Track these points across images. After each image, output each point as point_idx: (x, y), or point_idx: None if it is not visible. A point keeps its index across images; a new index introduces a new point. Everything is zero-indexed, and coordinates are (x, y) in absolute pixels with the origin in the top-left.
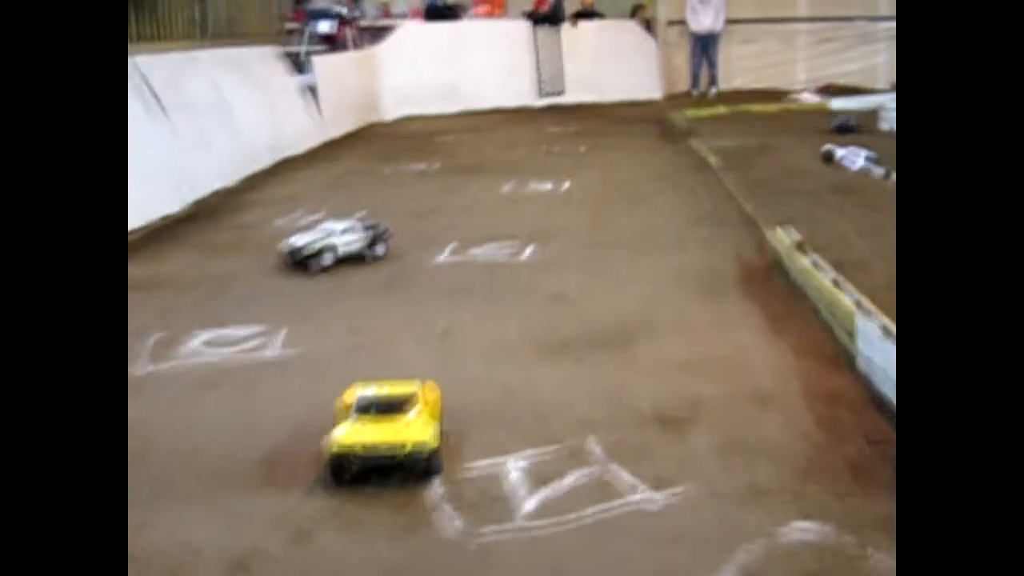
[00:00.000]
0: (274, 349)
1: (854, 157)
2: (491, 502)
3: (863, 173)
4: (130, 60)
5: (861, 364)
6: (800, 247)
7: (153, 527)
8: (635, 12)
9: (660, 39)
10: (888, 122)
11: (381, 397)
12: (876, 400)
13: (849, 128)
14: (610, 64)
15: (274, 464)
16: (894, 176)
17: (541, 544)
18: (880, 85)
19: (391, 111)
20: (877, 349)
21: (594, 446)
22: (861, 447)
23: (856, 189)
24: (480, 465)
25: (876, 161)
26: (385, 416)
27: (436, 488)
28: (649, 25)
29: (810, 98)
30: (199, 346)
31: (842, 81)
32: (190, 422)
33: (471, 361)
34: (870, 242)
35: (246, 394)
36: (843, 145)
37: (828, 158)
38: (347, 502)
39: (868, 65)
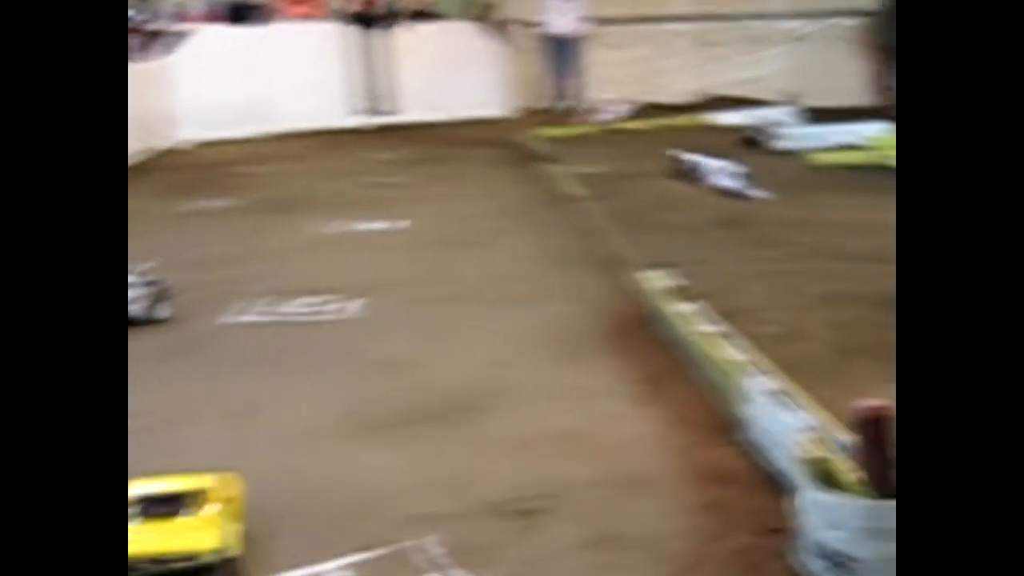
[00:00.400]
0: None
1: (718, 172)
2: None
3: (736, 194)
4: None
5: (751, 434)
6: (679, 293)
7: None
8: (484, 13)
9: (513, 45)
10: (785, 139)
11: (160, 495)
12: (769, 477)
13: (754, 142)
14: (454, 75)
15: None
16: (758, 194)
17: None
18: (773, 96)
19: (185, 135)
20: (770, 416)
21: (433, 547)
22: (753, 537)
23: (747, 221)
24: None
25: (747, 179)
26: (169, 518)
27: None
28: (500, 28)
29: (617, 110)
30: None
31: (732, 92)
32: None
33: (281, 446)
34: (765, 286)
35: None
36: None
37: (687, 171)
38: None
39: (760, 74)
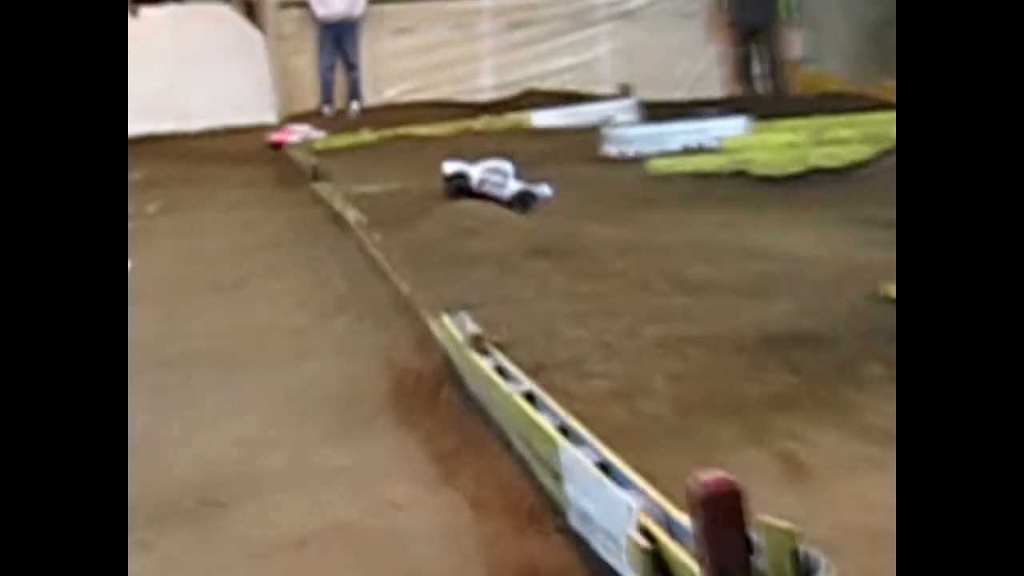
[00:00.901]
0: None
1: (499, 179)
2: None
3: (523, 199)
4: None
5: (573, 519)
6: (481, 343)
7: None
8: None
9: (271, 31)
10: (616, 144)
11: None
12: (594, 574)
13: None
14: (196, 73)
15: None
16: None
17: None
18: (602, 88)
19: None
20: (594, 496)
21: None
22: None
23: (567, 248)
24: None
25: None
26: None
27: None
28: (253, 11)
29: (308, 134)
30: None
31: (550, 84)
32: None
33: None
34: (588, 329)
35: None
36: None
37: (458, 190)
38: None
39: (584, 60)
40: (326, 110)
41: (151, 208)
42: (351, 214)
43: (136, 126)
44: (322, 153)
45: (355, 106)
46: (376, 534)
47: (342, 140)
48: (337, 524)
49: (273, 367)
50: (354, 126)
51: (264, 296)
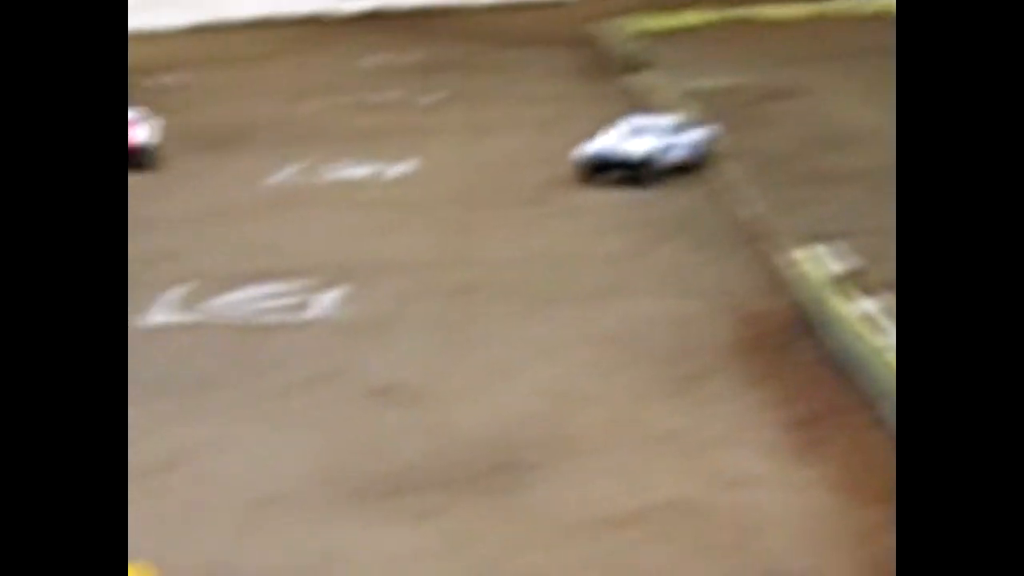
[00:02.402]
0: None
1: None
2: None
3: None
4: None
5: None
6: (855, 283)
7: None
8: None
9: None
10: None
11: None
12: None
13: None
14: None
15: None
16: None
17: None
18: None
19: None
20: None
21: None
22: None
23: None
24: None
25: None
26: None
27: None
28: None
29: None
30: None
31: None
32: None
33: (215, 521)
34: None
35: None
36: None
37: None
38: None
39: None
40: None
41: (426, 100)
42: (683, 114)
43: None
44: (642, 37)
45: None
46: (718, 516)
47: (662, 21)
48: (669, 501)
49: (581, 304)
50: (679, 3)
51: (569, 215)
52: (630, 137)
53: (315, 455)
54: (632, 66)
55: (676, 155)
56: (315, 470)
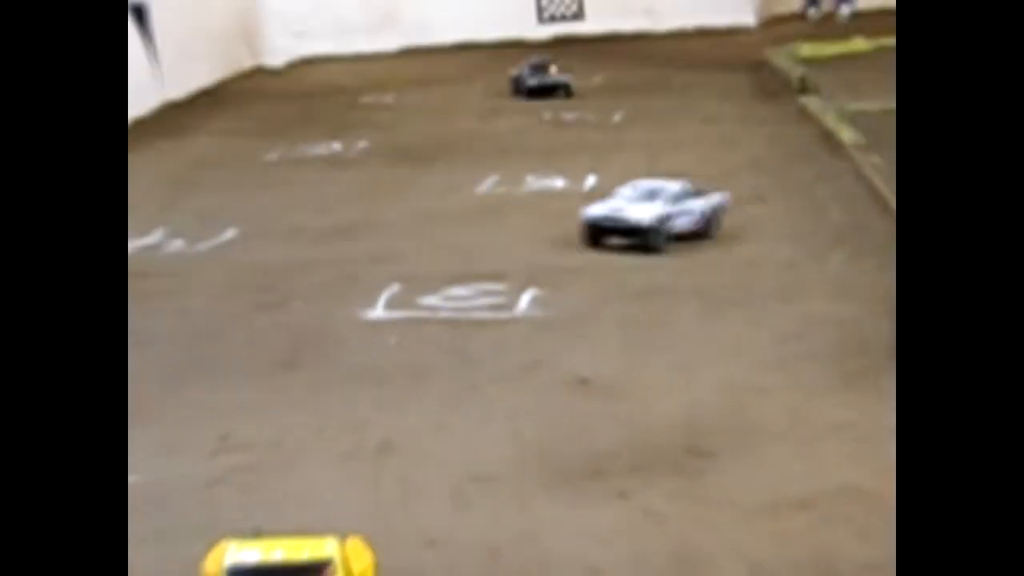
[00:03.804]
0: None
1: (678, 213)
2: None
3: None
4: None
5: None
6: None
7: None
8: None
9: None
10: None
11: (273, 566)
12: None
13: None
14: None
15: None
16: None
17: None
18: None
19: (281, 50)
20: None
21: None
22: None
23: None
24: None
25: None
26: None
27: None
28: None
29: None
30: None
31: None
32: None
33: (429, 499)
34: None
35: None
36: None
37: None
38: None
39: None
40: (812, 12)
41: (612, 119)
42: (846, 134)
43: (595, 22)
44: (809, 61)
45: (845, 9)
46: (885, 502)
47: (831, 48)
48: (843, 486)
49: (760, 306)
50: (844, 32)
51: (746, 224)
52: (638, 202)
53: (521, 439)
54: (803, 88)
55: (684, 222)
56: (521, 453)
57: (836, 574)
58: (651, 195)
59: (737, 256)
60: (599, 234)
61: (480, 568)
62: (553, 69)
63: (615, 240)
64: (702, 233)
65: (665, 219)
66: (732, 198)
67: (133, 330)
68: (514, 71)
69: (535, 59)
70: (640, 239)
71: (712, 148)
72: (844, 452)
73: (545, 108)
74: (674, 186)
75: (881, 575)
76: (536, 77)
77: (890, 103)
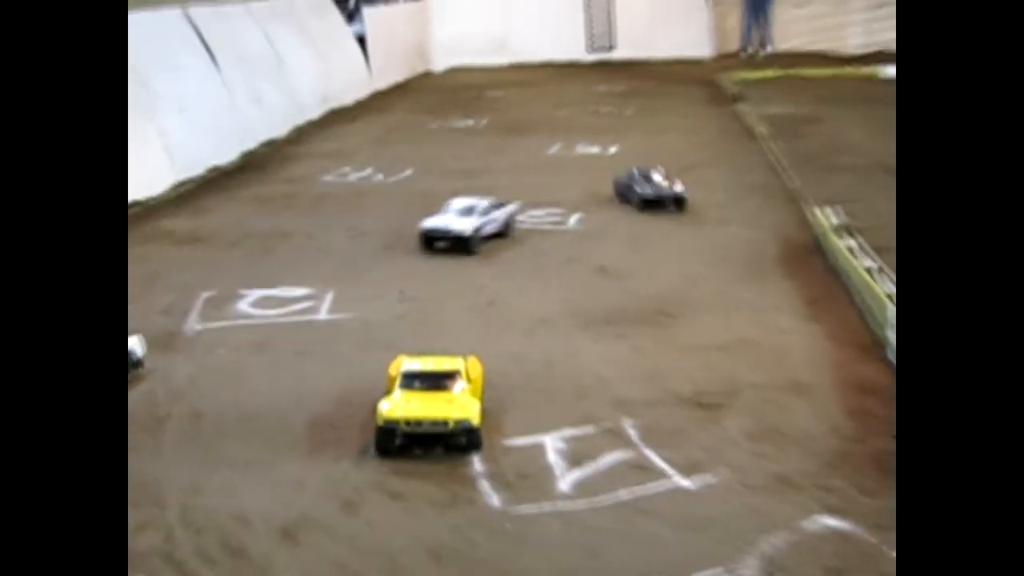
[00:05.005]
0: (322, 313)
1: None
2: (528, 479)
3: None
4: (184, 12)
5: (889, 353)
6: (842, 229)
7: (206, 493)
8: None
9: (711, 1)
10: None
11: (427, 372)
12: None
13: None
14: (661, 20)
15: (323, 431)
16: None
17: (576, 522)
18: None
19: (441, 62)
20: None
21: (630, 428)
22: (889, 441)
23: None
24: (519, 443)
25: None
26: (430, 391)
27: (476, 464)
28: None
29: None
30: (248, 307)
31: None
32: (241, 385)
33: (514, 333)
34: None
35: (295, 357)
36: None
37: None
38: (392, 474)
39: None
40: (744, 53)
41: (627, 111)
42: (759, 128)
43: (622, 52)
44: (741, 82)
45: (764, 52)
46: (769, 348)
47: (754, 75)
48: (744, 338)
49: (705, 228)
50: (762, 65)
51: (701, 179)
52: (459, 216)
53: (566, 301)
54: (735, 98)
55: (491, 228)
56: (565, 308)
57: (736, 386)
58: (468, 211)
59: (694, 199)
60: (431, 240)
61: (541, 373)
62: (657, 176)
63: (442, 244)
64: (503, 234)
65: (479, 228)
66: (693, 163)
67: (354, 226)
68: (620, 176)
69: (640, 167)
70: (461, 244)
71: (684, 132)
72: (746, 318)
73: (592, 103)
74: (484, 202)
75: (763, 391)
76: (650, 187)
77: (784, 109)
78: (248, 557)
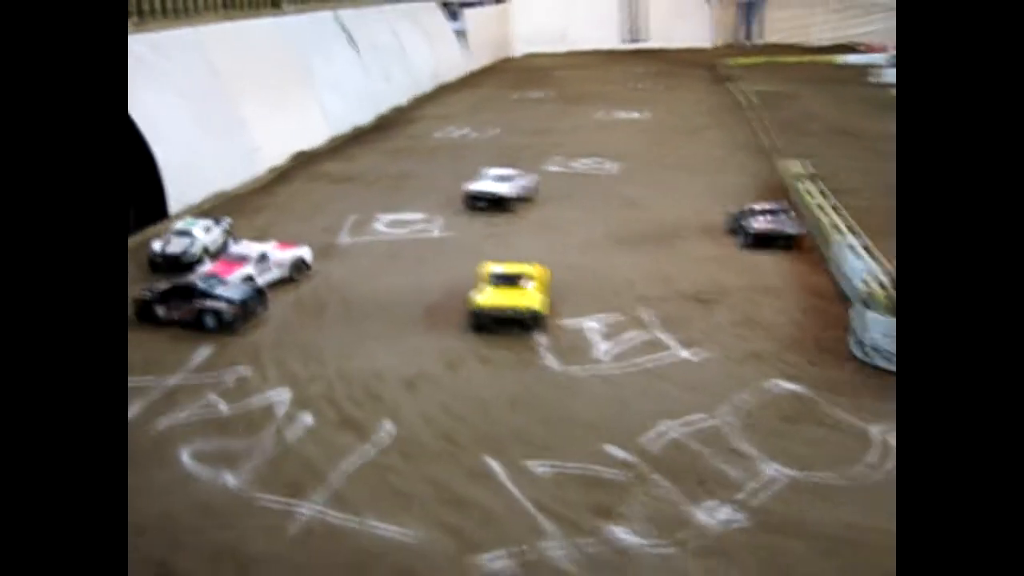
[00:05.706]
0: (435, 231)
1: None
2: (576, 350)
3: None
4: (335, 13)
5: (831, 268)
6: (807, 175)
7: (354, 357)
8: None
9: (718, 1)
10: (885, 75)
11: (508, 273)
12: (845, 296)
13: None
14: (677, 17)
15: (435, 314)
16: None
17: (609, 380)
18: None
19: (519, 49)
20: (844, 258)
21: (648, 316)
22: (832, 331)
23: (856, 133)
24: (570, 323)
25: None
26: (510, 286)
27: (541, 338)
28: None
29: None
30: (383, 227)
31: (859, 40)
32: (378, 282)
33: (569, 250)
34: (862, 175)
35: (417, 263)
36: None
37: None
38: (482, 345)
39: (887, 28)
40: (739, 42)
41: (656, 87)
42: (747, 100)
43: (652, 42)
44: (734, 66)
45: (752, 42)
46: (748, 261)
47: (745, 61)
48: (731, 255)
49: (707, 174)
50: (752, 52)
51: (707, 139)
52: (496, 182)
53: (606, 226)
54: (729, 78)
55: (519, 192)
56: (604, 232)
57: (725, 288)
58: (502, 179)
59: (701, 154)
60: (474, 200)
61: (590, 278)
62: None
63: (482, 204)
64: (527, 199)
65: (514, 191)
66: (698, 125)
67: (456, 169)
68: (733, 210)
69: (756, 204)
70: (499, 203)
71: (692, 103)
72: (734, 240)
73: (630, 81)
74: (512, 172)
75: (744, 292)
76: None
77: (769, 87)
78: (383, 400)
